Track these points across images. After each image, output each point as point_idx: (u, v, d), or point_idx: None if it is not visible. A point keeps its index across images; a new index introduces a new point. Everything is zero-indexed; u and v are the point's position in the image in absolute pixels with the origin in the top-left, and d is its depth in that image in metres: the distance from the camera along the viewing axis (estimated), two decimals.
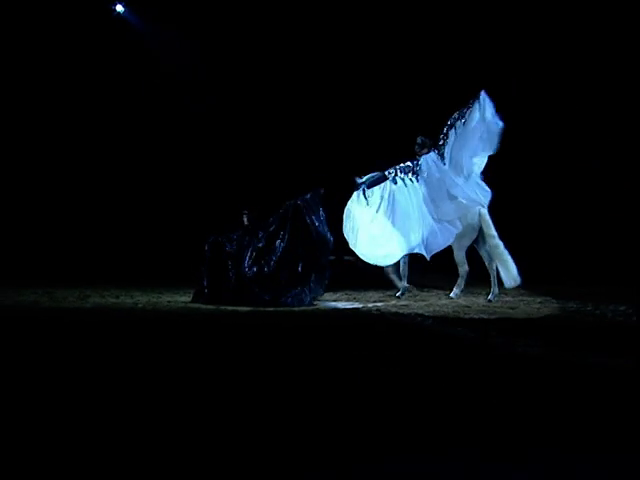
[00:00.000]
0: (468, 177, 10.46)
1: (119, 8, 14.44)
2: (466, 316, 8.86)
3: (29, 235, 14.17)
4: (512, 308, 9.66)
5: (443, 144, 10.53)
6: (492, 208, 10.60)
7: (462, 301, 10.35)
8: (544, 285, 11.24)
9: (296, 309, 9.83)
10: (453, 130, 10.48)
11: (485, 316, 8.83)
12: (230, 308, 9.78)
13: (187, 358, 6.34)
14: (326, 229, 10.39)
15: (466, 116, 10.41)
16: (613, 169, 12.94)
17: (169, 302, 10.09)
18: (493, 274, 10.50)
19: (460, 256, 10.66)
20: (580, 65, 13.09)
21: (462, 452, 4.10)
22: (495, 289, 10.46)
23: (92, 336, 7.41)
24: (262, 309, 9.70)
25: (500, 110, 10.39)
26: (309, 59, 14.57)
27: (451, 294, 10.65)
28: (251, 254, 10.24)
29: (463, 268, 10.68)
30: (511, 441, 4.20)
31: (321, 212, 10.41)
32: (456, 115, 10.49)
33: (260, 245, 10.28)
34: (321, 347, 6.68)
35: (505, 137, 10.37)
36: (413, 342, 7.00)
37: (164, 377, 5.63)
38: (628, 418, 4.50)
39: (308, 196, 10.45)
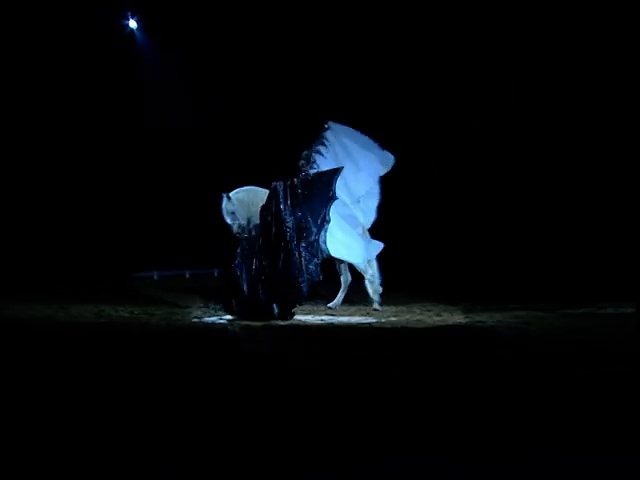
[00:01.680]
0: (357, 200, 10.78)
1: (132, 24, 14.53)
2: (477, 328, 8.89)
3: (44, 249, 14.18)
4: (517, 317, 9.80)
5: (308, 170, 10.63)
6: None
7: (474, 316, 10.32)
8: (549, 299, 11.22)
9: (308, 323, 9.85)
10: (319, 155, 10.64)
11: (490, 327, 8.88)
12: (244, 322, 9.82)
13: (196, 368, 6.40)
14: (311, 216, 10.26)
15: (327, 145, 10.68)
16: (598, 179, 12.83)
17: (182, 317, 10.14)
18: (371, 286, 10.94)
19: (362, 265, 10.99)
20: (578, 70, 13.01)
21: (462, 452, 4.10)
22: (377, 297, 10.92)
23: (105, 350, 7.48)
24: (273, 323, 9.74)
25: (499, 116, 10.44)
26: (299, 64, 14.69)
27: (375, 305, 10.90)
28: (254, 262, 10.28)
29: (367, 273, 10.99)
30: (511, 441, 4.20)
31: (307, 197, 10.31)
32: (315, 145, 10.72)
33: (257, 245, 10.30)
34: (326, 352, 6.72)
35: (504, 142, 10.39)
36: (417, 348, 7.02)
37: (173, 385, 5.68)
38: (627, 420, 4.49)
39: (295, 180, 10.40)
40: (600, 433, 4.25)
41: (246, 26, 14.57)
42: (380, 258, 11.09)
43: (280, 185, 10.30)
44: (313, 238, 10.22)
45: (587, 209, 12.59)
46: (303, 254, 10.13)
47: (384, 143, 10.95)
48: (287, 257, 10.08)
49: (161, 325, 9.39)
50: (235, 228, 10.92)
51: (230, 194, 10.90)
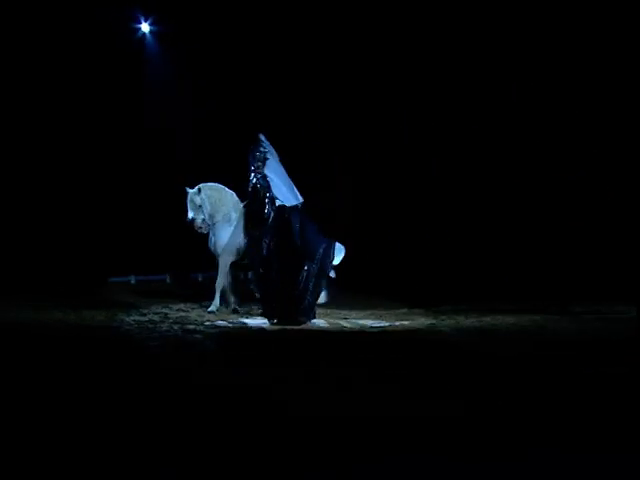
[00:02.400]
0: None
1: (144, 28, 14.51)
2: (489, 331, 8.88)
3: (45, 250, 14.11)
4: (532, 321, 9.76)
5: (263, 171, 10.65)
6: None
7: (489, 318, 10.28)
8: (550, 301, 11.19)
9: (321, 327, 9.88)
10: (263, 163, 10.69)
11: (502, 330, 8.88)
12: (257, 326, 9.86)
13: (205, 368, 6.44)
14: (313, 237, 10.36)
15: (267, 150, 10.72)
16: (598, 179, 12.74)
17: (196, 320, 10.18)
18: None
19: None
20: (578, 70, 12.93)
21: (462, 452, 4.10)
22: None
23: (117, 353, 7.53)
24: (287, 327, 9.79)
25: (499, 116, 10.52)
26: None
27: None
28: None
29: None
30: (511, 441, 4.19)
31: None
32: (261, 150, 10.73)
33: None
34: (331, 354, 6.75)
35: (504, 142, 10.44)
36: (423, 351, 7.03)
37: (180, 386, 5.72)
38: (627, 420, 4.47)
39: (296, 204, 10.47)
40: (600, 433, 4.23)
41: (246, 26, 14.58)
42: (381, 259, 11.13)
43: (293, 208, 10.40)
44: (323, 252, 10.31)
45: (587, 209, 12.52)
46: (311, 271, 10.21)
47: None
48: (295, 274, 10.16)
49: (174, 329, 9.42)
50: (199, 222, 11.05)
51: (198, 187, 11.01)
